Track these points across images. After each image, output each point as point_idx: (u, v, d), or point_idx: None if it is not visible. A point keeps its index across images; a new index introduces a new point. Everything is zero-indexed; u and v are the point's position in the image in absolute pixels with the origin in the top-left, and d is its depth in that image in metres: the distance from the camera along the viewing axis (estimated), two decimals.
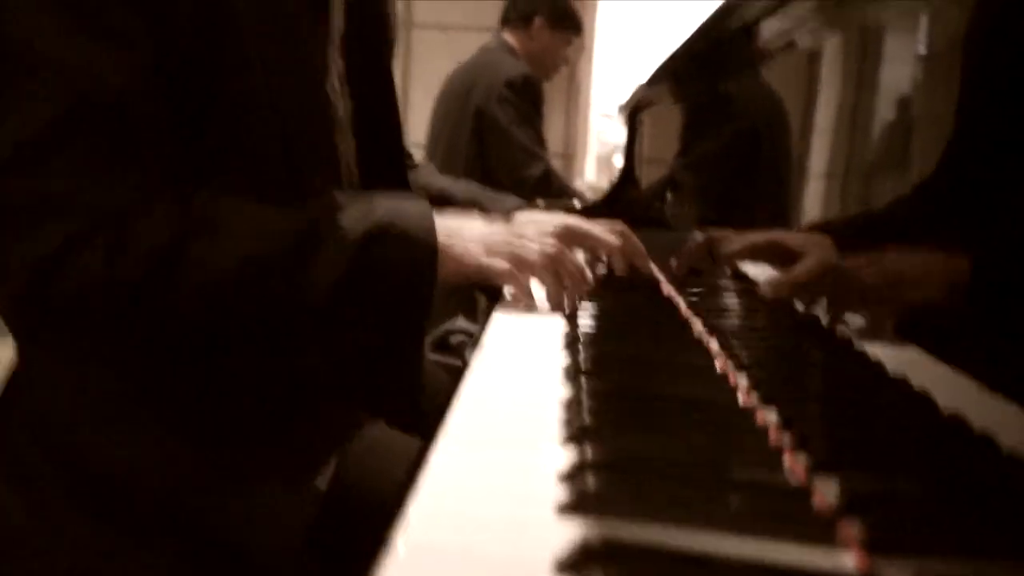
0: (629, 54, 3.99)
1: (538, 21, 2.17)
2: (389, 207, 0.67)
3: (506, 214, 0.91)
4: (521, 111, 2.04)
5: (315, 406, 0.72)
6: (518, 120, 2.03)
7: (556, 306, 0.73)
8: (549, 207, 1.55)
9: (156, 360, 0.64)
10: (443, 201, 0.96)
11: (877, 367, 0.57)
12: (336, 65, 0.78)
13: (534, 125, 2.09)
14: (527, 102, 2.06)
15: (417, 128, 2.43)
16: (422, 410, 0.72)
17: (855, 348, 0.63)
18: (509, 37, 2.19)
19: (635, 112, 1.55)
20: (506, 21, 2.22)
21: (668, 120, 1.36)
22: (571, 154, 2.97)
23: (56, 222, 0.57)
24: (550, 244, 0.72)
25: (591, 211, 1.51)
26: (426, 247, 0.65)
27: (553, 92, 2.89)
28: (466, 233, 0.69)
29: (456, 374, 0.92)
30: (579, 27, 2.27)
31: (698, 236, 1.03)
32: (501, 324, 0.70)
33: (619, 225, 0.89)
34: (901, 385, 0.53)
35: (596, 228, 0.86)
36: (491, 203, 0.98)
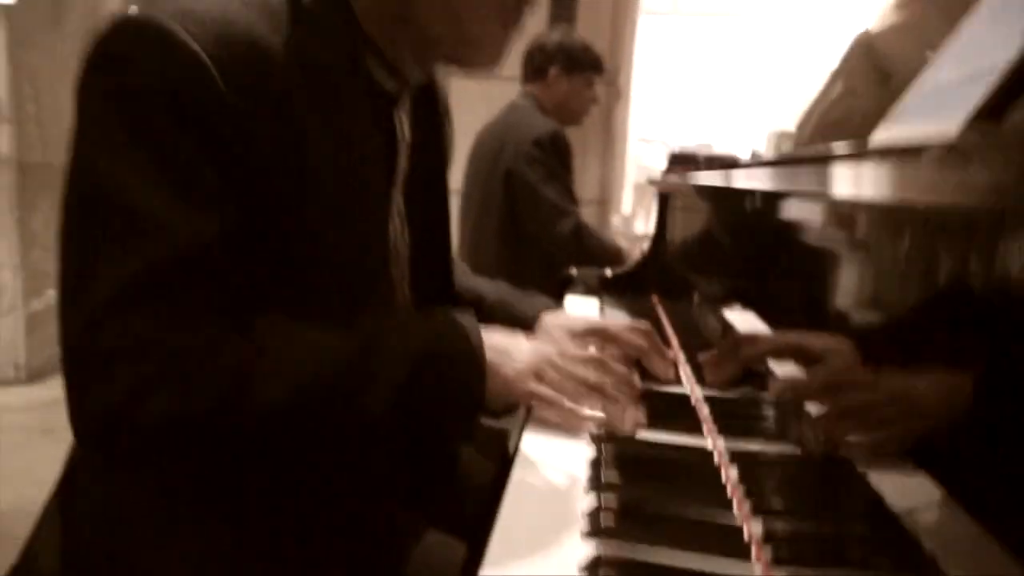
0: (668, 74, 4.02)
1: (553, 71, 2.21)
2: (440, 328, 0.72)
3: (536, 314, 0.97)
4: (549, 168, 2.08)
5: (365, 513, 0.77)
6: (546, 178, 2.07)
7: (615, 426, 0.74)
8: (582, 277, 1.61)
9: (215, 475, 0.69)
10: (475, 302, 1.02)
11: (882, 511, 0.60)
12: (397, 203, 0.85)
13: (563, 180, 2.13)
14: (554, 159, 2.10)
15: (454, 177, 2.50)
16: (464, 512, 0.78)
17: (864, 483, 0.64)
18: (532, 91, 2.24)
19: (666, 193, 1.60)
20: (526, 77, 2.27)
21: (697, 205, 1.41)
22: (607, 199, 3.01)
23: (132, 365, 0.62)
24: (593, 367, 0.75)
25: (622, 281, 1.56)
26: (475, 370, 0.70)
27: (589, 132, 2.96)
28: (515, 355, 0.73)
29: (496, 458, 0.98)
30: (597, 65, 2.27)
31: (722, 319, 1.07)
32: (535, 441, 0.73)
33: (643, 324, 0.94)
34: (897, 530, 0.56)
35: (624, 331, 0.91)
36: (520, 304, 1.02)
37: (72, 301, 0.64)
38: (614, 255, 2.11)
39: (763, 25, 4.69)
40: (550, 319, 0.96)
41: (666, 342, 1.22)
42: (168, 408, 0.62)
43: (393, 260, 0.84)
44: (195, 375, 0.64)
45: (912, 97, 0.70)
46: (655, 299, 1.45)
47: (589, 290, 1.55)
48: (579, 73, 2.23)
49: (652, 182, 1.78)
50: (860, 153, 0.66)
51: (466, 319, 0.74)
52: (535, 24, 2.75)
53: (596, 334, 0.93)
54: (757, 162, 1.31)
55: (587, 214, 3.03)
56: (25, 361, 3.29)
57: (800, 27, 3.82)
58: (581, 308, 1.40)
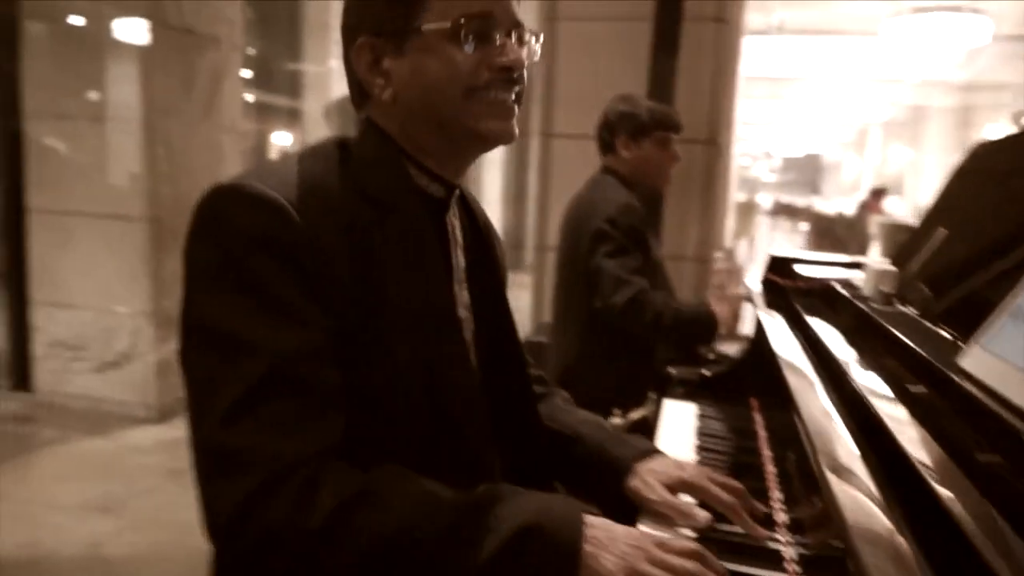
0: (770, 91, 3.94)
1: (620, 141, 2.18)
2: (542, 507, 0.78)
3: (631, 460, 1.01)
4: (617, 244, 2.03)
5: None
6: (611, 253, 2.03)
7: None
8: (681, 376, 1.62)
9: None
10: (573, 440, 1.07)
11: None
12: (461, 297, 0.97)
13: (630, 254, 2.05)
14: (625, 234, 2.04)
15: (555, 233, 2.55)
16: None
17: None
18: (608, 164, 2.23)
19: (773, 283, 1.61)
20: (601, 151, 2.25)
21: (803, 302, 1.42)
22: (706, 257, 3.01)
23: (251, 471, 0.73)
24: (691, 561, 0.76)
25: (720, 382, 1.58)
26: (570, 555, 0.74)
27: (687, 188, 2.97)
28: (611, 547, 0.76)
29: None
30: (666, 124, 2.20)
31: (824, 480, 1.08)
32: None
33: (735, 484, 0.97)
34: None
35: (715, 489, 0.94)
36: (616, 448, 1.03)
37: (198, 415, 0.77)
38: (705, 322, 2.05)
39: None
40: (644, 468, 1.00)
41: (759, 454, 1.24)
42: (282, 517, 0.72)
43: (467, 348, 0.96)
44: (308, 494, 0.73)
45: None
46: (753, 403, 1.46)
47: (688, 392, 1.56)
48: (646, 137, 2.17)
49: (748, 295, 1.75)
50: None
51: (569, 504, 0.79)
52: (638, 84, 2.78)
53: (688, 489, 0.96)
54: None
55: (686, 272, 3.03)
56: (156, 402, 3.55)
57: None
58: (678, 417, 1.43)
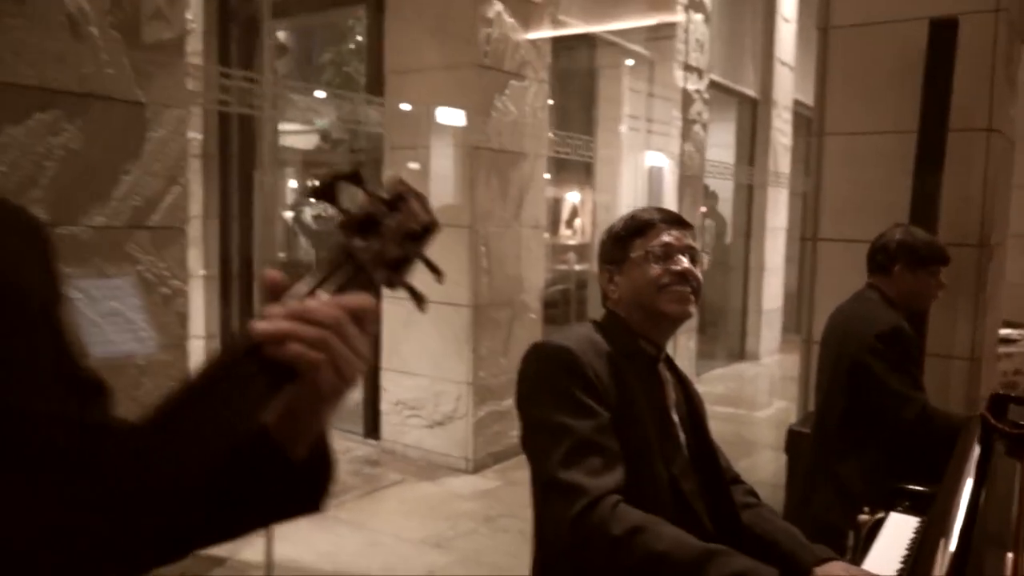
0: None
1: (897, 268, 2.38)
2: (755, 564, 1.19)
3: (812, 563, 1.35)
4: (892, 360, 2.27)
5: None
6: (890, 368, 2.26)
7: None
8: (913, 489, 1.86)
9: None
10: (769, 545, 1.43)
11: None
12: (675, 420, 1.47)
13: (907, 370, 2.29)
14: (898, 350, 2.27)
15: (819, 328, 2.79)
16: None
17: None
18: (877, 283, 2.43)
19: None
20: (871, 270, 2.47)
21: None
22: (979, 356, 3.06)
23: (583, 498, 1.23)
24: None
25: None
26: None
27: (958, 290, 3.05)
28: None
29: None
30: (941, 258, 2.39)
31: None
32: None
33: None
34: None
35: None
36: (801, 553, 1.39)
37: (541, 466, 1.32)
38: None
39: None
40: (820, 570, 1.34)
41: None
42: (596, 528, 1.21)
43: (681, 456, 1.43)
44: (610, 516, 1.21)
45: None
46: None
47: (914, 507, 1.80)
48: (922, 268, 2.38)
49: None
50: None
51: (770, 571, 1.19)
52: (902, 192, 2.96)
53: None
54: None
55: (953, 369, 3.10)
56: (472, 456, 4.29)
57: None
58: (899, 527, 1.70)
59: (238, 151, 4.85)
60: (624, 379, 1.39)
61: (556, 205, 7.65)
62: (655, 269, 1.45)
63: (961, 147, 2.95)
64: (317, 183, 0.70)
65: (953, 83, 2.85)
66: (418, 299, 0.70)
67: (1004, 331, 4.47)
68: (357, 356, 0.62)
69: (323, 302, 0.61)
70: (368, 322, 0.63)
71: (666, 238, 1.47)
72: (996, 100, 2.96)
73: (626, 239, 1.50)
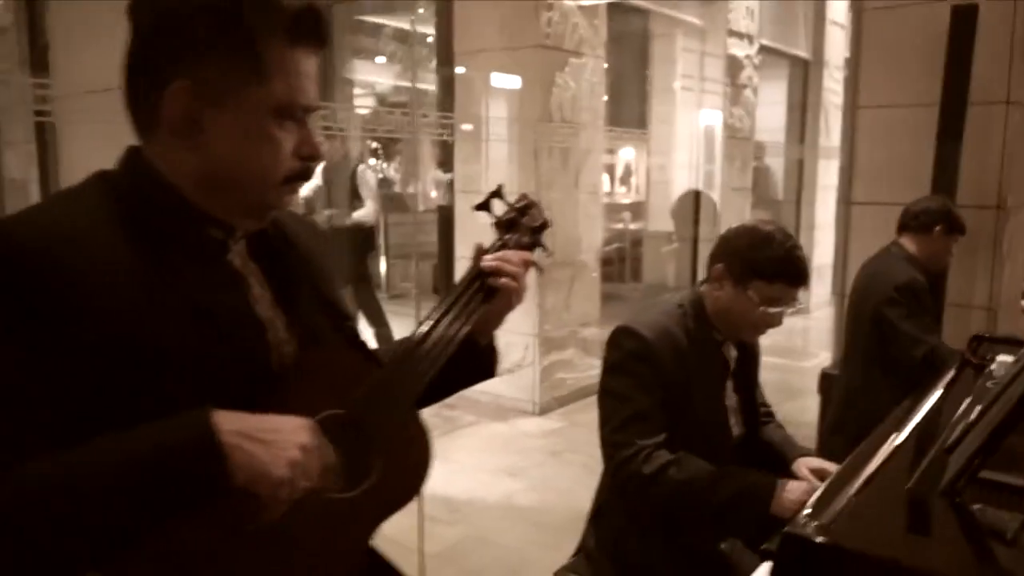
0: None
1: (937, 230, 2.79)
2: (752, 480, 1.63)
3: (795, 456, 1.79)
4: (908, 309, 2.67)
5: None
6: (904, 316, 2.67)
7: None
8: None
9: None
10: (767, 446, 1.87)
11: None
12: (731, 399, 1.82)
13: (919, 317, 2.69)
14: (912, 302, 2.67)
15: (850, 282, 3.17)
16: None
17: None
18: (906, 242, 2.82)
19: None
20: (905, 228, 2.86)
21: None
22: (995, 307, 3.41)
23: (626, 450, 1.64)
24: None
25: None
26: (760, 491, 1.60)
27: (977, 247, 3.39)
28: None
29: None
30: (960, 227, 2.80)
31: None
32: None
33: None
34: None
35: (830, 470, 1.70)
36: (791, 450, 1.83)
37: (603, 424, 1.72)
38: None
39: None
40: (801, 461, 1.77)
41: None
42: (638, 470, 1.66)
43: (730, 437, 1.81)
44: (648, 457, 1.64)
45: None
46: None
47: None
48: (953, 234, 2.79)
49: None
50: None
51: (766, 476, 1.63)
52: (926, 160, 3.30)
53: (820, 469, 1.73)
54: None
55: (973, 318, 3.45)
56: (539, 400, 4.79)
57: None
58: None
59: None
60: (687, 366, 1.68)
61: (609, 165, 8.02)
62: (760, 314, 1.66)
63: (981, 119, 3.28)
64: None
65: (973, 62, 3.17)
66: (538, 268, 1.17)
67: None
68: (525, 287, 1.12)
69: (512, 253, 1.12)
70: (529, 268, 1.13)
71: (785, 296, 1.65)
72: (1014, 75, 3.27)
73: (753, 271, 1.64)
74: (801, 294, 1.72)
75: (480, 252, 1.12)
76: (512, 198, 1.20)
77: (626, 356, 1.71)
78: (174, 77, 0.85)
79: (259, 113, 0.87)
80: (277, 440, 0.81)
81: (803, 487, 1.60)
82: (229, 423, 0.79)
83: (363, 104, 8.67)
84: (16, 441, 0.77)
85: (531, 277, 1.17)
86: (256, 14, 0.85)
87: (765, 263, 1.65)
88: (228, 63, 0.85)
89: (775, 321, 1.69)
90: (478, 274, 1.08)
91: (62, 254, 0.79)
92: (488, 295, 1.08)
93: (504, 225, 1.16)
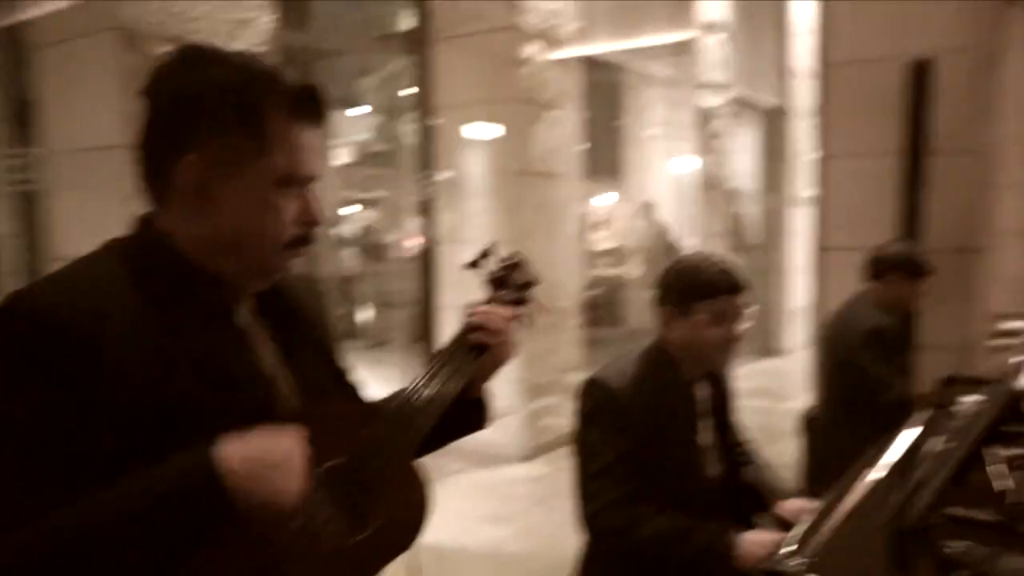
0: None
1: (897, 275, 2.84)
2: (712, 539, 1.65)
3: (776, 499, 1.84)
4: (874, 353, 2.73)
5: None
6: (871, 360, 2.73)
7: None
8: None
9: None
10: (749, 488, 1.92)
11: None
12: (705, 426, 1.85)
13: (887, 363, 2.75)
14: (880, 347, 2.74)
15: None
16: None
17: None
18: (872, 288, 2.89)
19: None
20: (866, 276, 2.93)
21: None
22: (967, 346, 3.52)
23: (597, 502, 1.68)
24: None
25: None
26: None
27: (946, 290, 3.50)
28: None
29: None
30: (924, 271, 2.83)
31: None
32: None
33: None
34: None
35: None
36: (770, 494, 1.88)
37: (576, 474, 1.74)
38: None
39: None
40: (782, 505, 1.82)
41: None
42: (608, 522, 1.70)
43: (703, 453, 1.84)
44: (621, 511, 1.69)
45: None
46: None
47: None
48: (910, 278, 2.84)
49: None
50: None
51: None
52: (896, 189, 3.43)
53: (795, 510, 1.77)
54: None
55: (950, 359, 3.55)
56: (525, 445, 4.82)
57: None
58: None
59: None
60: (656, 411, 1.72)
61: (587, 212, 8.16)
62: (716, 333, 1.70)
63: (945, 167, 3.42)
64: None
65: (932, 113, 3.32)
66: (527, 322, 1.23)
67: (1011, 324, 4.88)
68: (514, 342, 1.17)
69: (498, 309, 1.18)
70: (516, 324, 1.18)
71: (729, 308, 1.70)
72: (970, 125, 3.43)
73: (691, 296, 1.71)
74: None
75: (470, 309, 1.19)
76: (487, 245, 1.27)
77: (593, 408, 1.75)
78: (187, 151, 0.90)
79: (263, 183, 0.92)
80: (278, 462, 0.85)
81: (765, 540, 1.61)
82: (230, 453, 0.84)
83: (342, 154, 8.76)
84: (33, 496, 0.80)
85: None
86: (264, 93, 0.92)
87: (700, 285, 1.72)
88: (237, 138, 0.91)
89: (733, 335, 1.73)
90: (467, 329, 1.14)
91: (83, 318, 0.84)
92: (480, 350, 1.14)
93: (495, 282, 1.23)
